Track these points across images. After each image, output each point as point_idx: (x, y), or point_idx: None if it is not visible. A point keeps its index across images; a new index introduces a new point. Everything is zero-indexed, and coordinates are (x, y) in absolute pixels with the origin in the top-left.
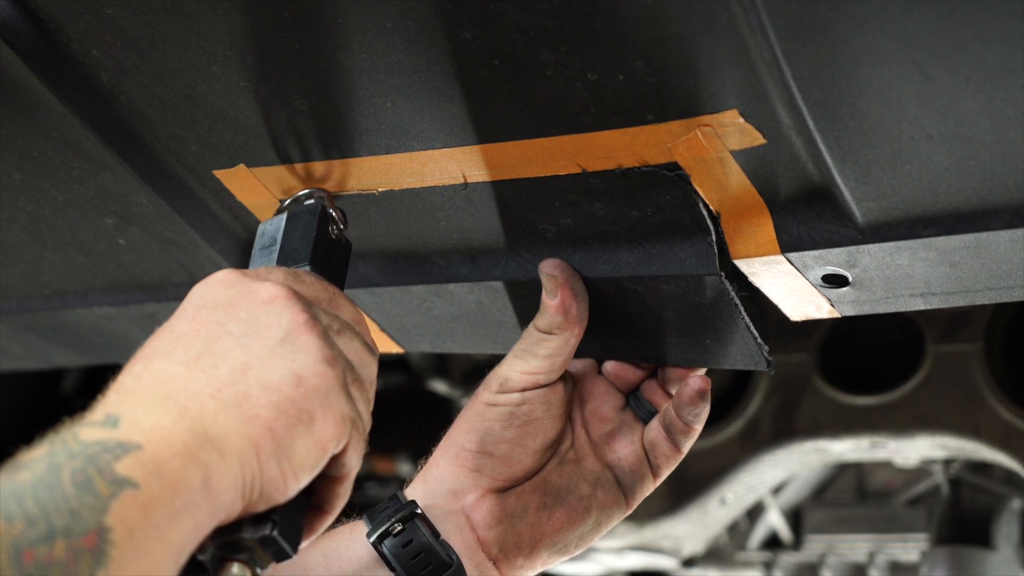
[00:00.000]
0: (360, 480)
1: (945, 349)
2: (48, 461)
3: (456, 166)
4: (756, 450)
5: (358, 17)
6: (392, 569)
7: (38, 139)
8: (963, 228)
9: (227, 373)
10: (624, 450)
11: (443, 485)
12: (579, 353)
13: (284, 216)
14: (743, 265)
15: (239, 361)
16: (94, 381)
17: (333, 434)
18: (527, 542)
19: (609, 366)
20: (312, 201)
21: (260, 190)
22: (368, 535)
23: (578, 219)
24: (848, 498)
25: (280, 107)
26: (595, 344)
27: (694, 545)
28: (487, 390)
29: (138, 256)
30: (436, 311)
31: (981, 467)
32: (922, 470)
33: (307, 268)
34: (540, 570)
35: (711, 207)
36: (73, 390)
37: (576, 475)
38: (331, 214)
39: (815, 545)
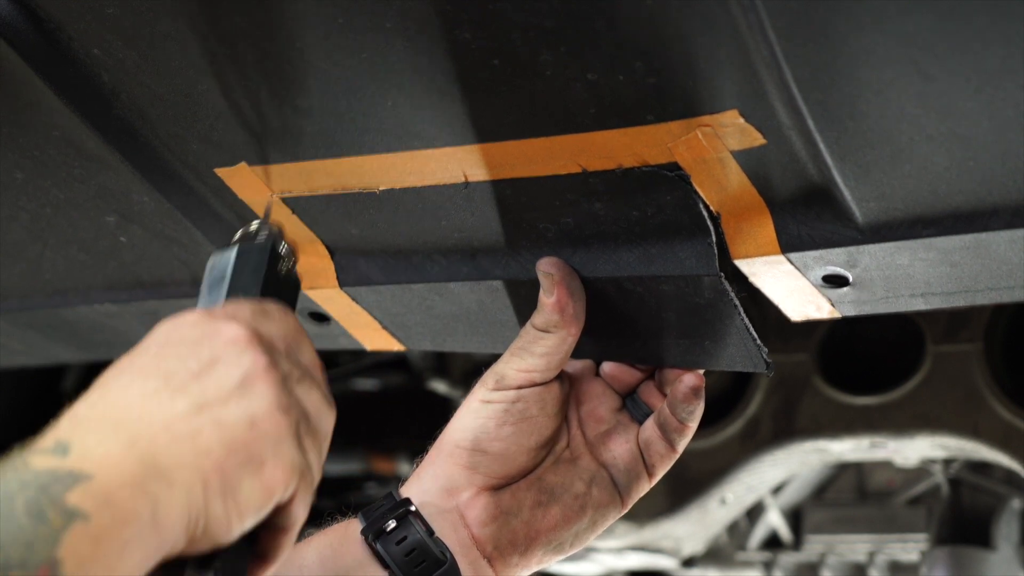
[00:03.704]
0: (360, 480)
1: (945, 349)
2: (1, 489)
3: (457, 165)
4: (756, 450)
5: (358, 17)
6: (386, 566)
7: (39, 138)
8: (963, 228)
9: (183, 408)
10: (619, 449)
11: (437, 483)
12: (577, 354)
13: (235, 250)
14: (743, 265)
15: (196, 398)
16: (94, 380)
17: (281, 481)
18: (522, 540)
19: (606, 367)
20: (263, 236)
21: (261, 188)
22: (362, 532)
23: (578, 219)
24: (848, 498)
25: (281, 106)
26: (594, 345)
27: (694, 545)
28: (483, 387)
29: (139, 254)
30: (437, 310)
31: (981, 467)
32: (922, 470)
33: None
34: (535, 569)
35: (711, 207)
36: (73, 389)
37: (571, 474)
38: (281, 251)
39: (815, 545)
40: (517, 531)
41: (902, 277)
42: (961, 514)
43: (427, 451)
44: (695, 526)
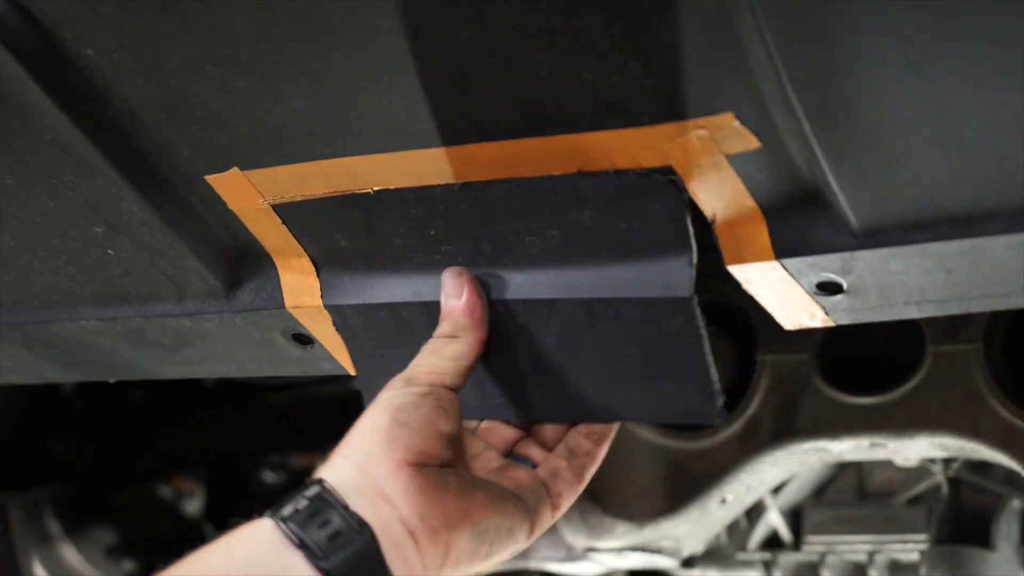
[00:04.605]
0: None
1: (945, 349)
2: None
3: (451, 165)
4: (756, 450)
5: (353, 17)
6: (301, 545)
7: (30, 142)
8: (959, 233)
9: None
10: (519, 476)
11: (350, 463)
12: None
13: None
14: (737, 271)
15: None
16: (94, 381)
17: None
18: (454, 515)
19: (483, 424)
20: None
21: (252, 194)
22: (271, 515)
23: (565, 231)
24: (848, 498)
25: (275, 107)
26: (507, 399)
27: (694, 545)
28: (391, 388)
29: (126, 268)
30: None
31: (981, 467)
32: (922, 470)
33: None
34: (457, 560)
35: (705, 212)
36: (73, 390)
37: (488, 479)
38: None
39: (815, 545)
40: (448, 505)
41: (897, 284)
42: (961, 514)
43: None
44: (695, 526)
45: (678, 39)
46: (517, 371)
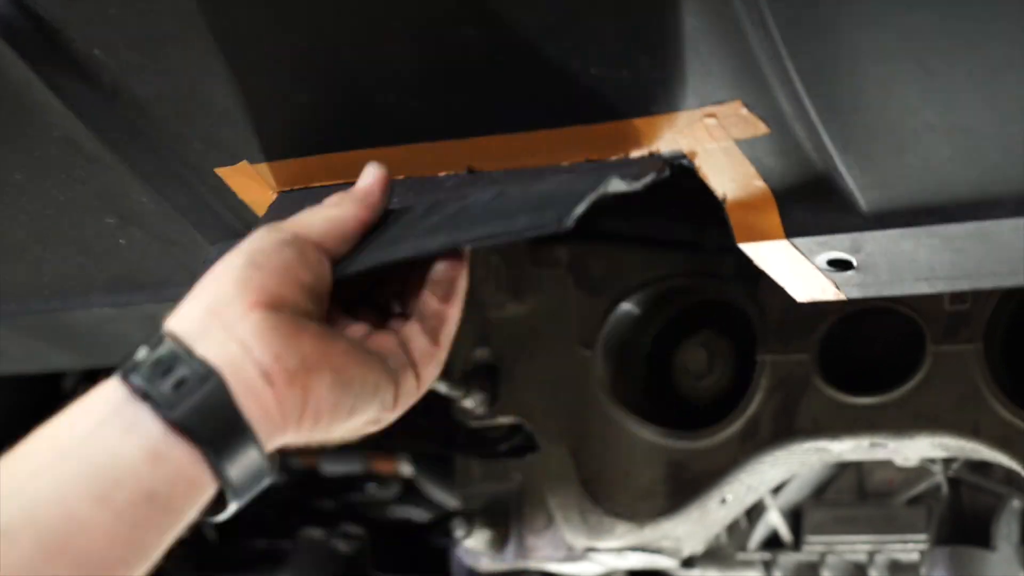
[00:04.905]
0: (360, 480)
1: (945, 349)
2: None
3: (461, 158)
4: (756, 450)
5: (363, 14)
6: (145, 397)
7: (40, 139)
8: (967, 217)
9: None
10: (382, 343)
11: (199, 306)
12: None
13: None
14: (749, 249)
15: None
16: (94, 381)
17: None
18: (312, 357)
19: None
20: None
21: (262, 187)
22: (117, 371)
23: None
24: (848, 498)
25: (284, 103)
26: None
27: (694, 545)
28: (256, 231)
29: (139, 256)
30: None
31: (981, 467)
32: (922, 470)
33: None
34: (318, 409)
35: (715, 193)
36: (72, 390)
37: (343, 334)
38: None
39: (815, 545)
40: (305, 345)
41: (906, 262)
42: (961, 514)
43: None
44: (695, 526)
45: (685, 32)
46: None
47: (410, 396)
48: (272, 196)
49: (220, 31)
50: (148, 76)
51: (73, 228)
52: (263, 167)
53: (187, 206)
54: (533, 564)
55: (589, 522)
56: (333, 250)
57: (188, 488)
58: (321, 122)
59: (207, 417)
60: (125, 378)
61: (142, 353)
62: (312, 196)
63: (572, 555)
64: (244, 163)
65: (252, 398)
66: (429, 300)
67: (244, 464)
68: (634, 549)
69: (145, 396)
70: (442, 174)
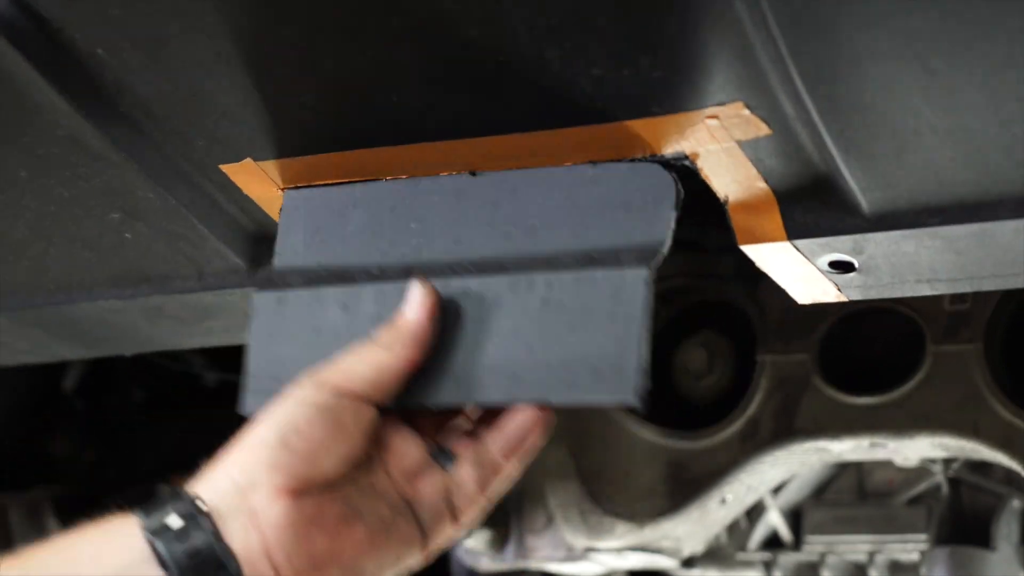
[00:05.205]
0: None
1: (945, 349)
2: None
3: (463, 158)
4: (756, 450)
5: (364, 16)
6: (165, 568)
7: (43, 137)
8: (968, 218)
9: None
10: (426, 489)
11: (231, 481)
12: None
13: None
14: (750, 251)
15: None
16: (94, 381)
17: None
18: (320, 557)
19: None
20: None
21: (267, 183)
22: (143, 527)
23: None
24: (848, 498)
25: (287, 103)
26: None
27: (694, 545)
28: (299, 386)
29: (144, 250)
30: None
31: (981, 467)
32: (922, 470)
33: None
34: None
35: (717, 194)
36: (73, 390)
37: (377, 499)
38: None
39: (815, 545)
40: (317, 545)
41: (908, 264)
42: (961, 514)
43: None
44: (695, 526)
45: (687, 33)
46: (450, 359)
47: (443, 543)
48: (277, 193)
49: (221, 31)
50: (151, 75)
51: (78, 224)
52: (267, 164)
53: (192, 201)
54: (533, 564)
55: (589, 522)
56: (379, 399)
57: None
58: (324, 122)
59: None
60: (150, 536)
61: (174, 521)
62: (321, 196)
63: (572, 555)
64: (248, 160)
65: None
66: (491, 449)
67: None
68: (634, 549)
69: (164, 566)
70: (443, 174)
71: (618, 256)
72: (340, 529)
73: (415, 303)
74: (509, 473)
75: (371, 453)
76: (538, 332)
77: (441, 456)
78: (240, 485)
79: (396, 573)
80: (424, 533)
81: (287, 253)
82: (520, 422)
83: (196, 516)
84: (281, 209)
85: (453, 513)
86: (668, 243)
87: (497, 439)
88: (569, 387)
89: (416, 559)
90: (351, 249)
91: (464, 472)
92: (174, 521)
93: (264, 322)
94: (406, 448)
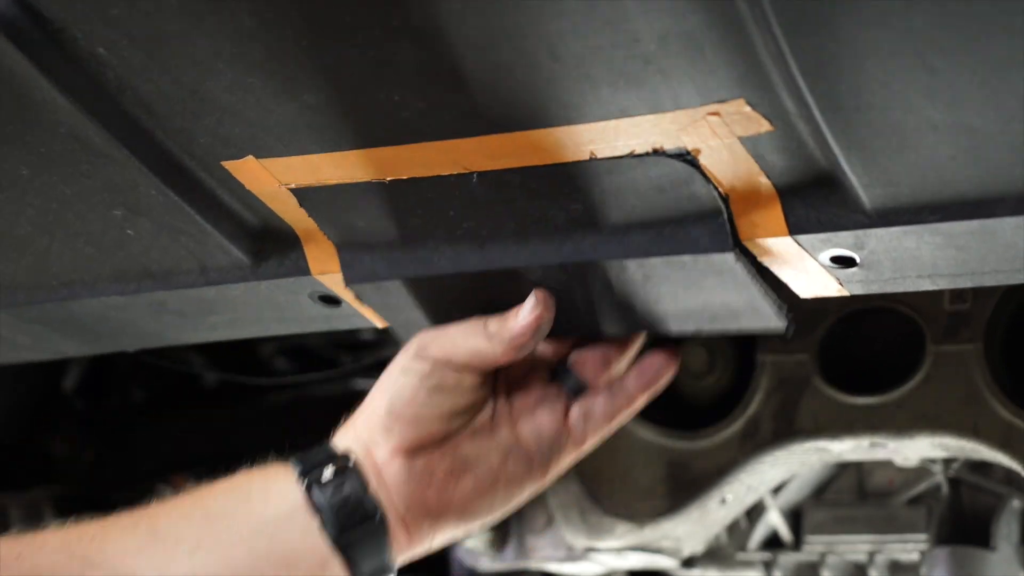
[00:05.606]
0: None
1: (945, 349)
2: None
3: (464, 156)
4: (756, 450)
5: (364, 16)
6: (319, 513)
7: (45, 134)
8: (969, 214)
9: None
10: (545, 420)
11: (360, 442)
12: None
13: None
14: (752, 246)
15: None
16: (94, 381)
17: None
18: (434, 508)
19: None
20: None
21: (269, 180)
22: (300, 475)
23: (587, 204)
24: (848, 498)
25: (288, 102)
26: (573, 323)
27: (694, 545)
28: (405, 354)
29: (147, 246)
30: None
31: (981, 467)
32: (922, 470)
33: None
34: (446, 537)
35: (720, 190)
36: (73, 390)
37: (487, 445)
38: None
39: (815, 545)
40: (429, 499)
41: (909, 259)
42: (961, 514)
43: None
44: (695, 526)
45: (688, 30)
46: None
47: (567, 463)
48: (280, 189)
49: (222, 30)
50: (152, 74)
51: (80, 220)
52: (269, 162)
53: (195, 198)
54: (533, 564)
55: (589, 522)
56: (478, 374)
57: None
58: (325, 121)
59: (367, 553)
60: (305, 484)
61: (328, 473)
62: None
63: (572, 555)
64: (251, 158)
65: (395, 539)
66: (627, 382)
67: None
68: (634, 549)
69: (319, 513)
70: (446, 173)
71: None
72: (448, 483)
73: (528, 309)
74: (637, 407)
75: (493, 385)
76: (657, 292)
77: (569, 382)
78: (366, 445)
79: (513, 505)
80: (542, 467)
81: None
82: (657, 359)
83: (348, 470)
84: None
85: (575, 440)
86: (724, 208)
87: (633, 373)
88: (713, 320)
89: (533, 490)
90: None
91: (596, 401)
92: (328, 474)
93: None
94: (524, 381)
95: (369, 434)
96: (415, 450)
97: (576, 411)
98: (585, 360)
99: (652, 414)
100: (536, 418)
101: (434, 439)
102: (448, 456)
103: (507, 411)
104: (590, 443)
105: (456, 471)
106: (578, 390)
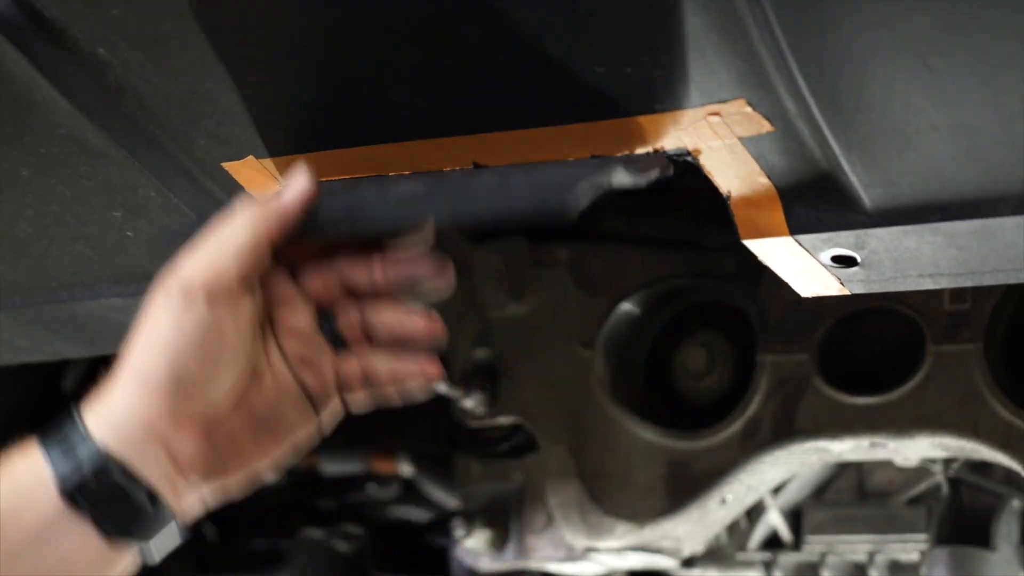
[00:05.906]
0: (360, 480)
1: (945, 349)
2: None
3: (466, 153)
4: (756, 450)
5: (365, 15)
6: (93, 518)
7: (44, 136)
8: (970, 214)
9: None
10: (312, 377)
11: (133, 416)
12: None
13: None
14: (753, 245)
15: None
16: (94, 380)
17: None
18: (232, 467)
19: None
20: None
21: (269, 181)
22: (61, 489)
23: None
24: (848, 498)
25: (289, 101)
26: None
27: (694, 545)
28: (167, 300)
29: (146, 248)
30: None
31: (981, 467)
32: (922, 470)
33: None
34: (228, 481)
35: (720, 190)
36: (73, 388)
37: (279, 398)
38: None
39: (815, 545)
40: (228, 461)
41: (910, 259)
42: (961, 514)
43: (112, 369)
44: (695, 526)
45: (689, 31)
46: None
47: (336, 411)
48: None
49: (222, 30)
50: (152, 74)
51: (80, 222)
52: (269, 162)
53: (195, 200)
54: (533, 564)
55: (589, 522)
56: (247, 308)
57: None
58: (326, 119)
59: (142, 529)
60: (68, 494)
61: (83, 470)
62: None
63: (572, 555)
64: (251, 158)
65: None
66: (388, 327)
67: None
68: (634, 549)
69: (92, 517)
70: (447, 168)
71: None
72: (248, 447)
73: (294, 184)
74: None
75: (264, 327)
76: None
77: (327, 326)
78: (145, 424)
79: (292, 446)
80: (319, 411)
81: None
82: (420, 319)
83: (109, 467)
84: None
85: (346, 385)
86: None
87: (393, 320)
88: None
89: (311, 438)
90: None
91: (361, 351)
92: (90, 479)
93: None
94: (294, 303)
95: (149, 412)
96: (211, 425)
97: (342, 358)
98: (348, 307)
99: (652, 414)
100: (311, 365)
101: (225, 399)
102: (245, 418)
103: (280, 355)
104: (358, 398)
105: (256, 433)
106: (337, 344)
